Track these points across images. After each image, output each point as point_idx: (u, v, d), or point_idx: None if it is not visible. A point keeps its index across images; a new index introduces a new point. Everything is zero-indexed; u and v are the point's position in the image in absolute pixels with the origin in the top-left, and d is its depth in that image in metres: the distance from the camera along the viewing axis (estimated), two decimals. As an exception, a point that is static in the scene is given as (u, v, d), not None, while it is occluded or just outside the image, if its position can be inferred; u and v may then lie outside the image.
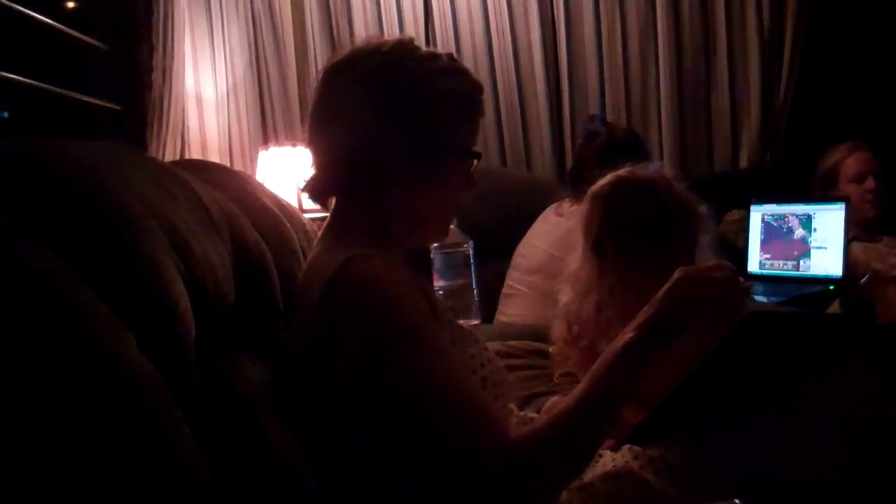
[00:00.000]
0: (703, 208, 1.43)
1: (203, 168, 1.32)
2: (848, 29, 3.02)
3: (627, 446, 1.13)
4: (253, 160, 2.85)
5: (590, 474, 1.10)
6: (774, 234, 2.45)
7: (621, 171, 1.45)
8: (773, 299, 2.21)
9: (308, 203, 2.37)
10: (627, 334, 0.97)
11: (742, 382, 1.17)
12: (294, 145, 2.68)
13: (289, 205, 1.48)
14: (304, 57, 2.96)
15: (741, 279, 1.01)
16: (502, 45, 2.91)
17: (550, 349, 1.53)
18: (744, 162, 2.92)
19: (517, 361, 1.84)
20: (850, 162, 2.54)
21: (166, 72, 2.57)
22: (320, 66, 2.88)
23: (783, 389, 1.14)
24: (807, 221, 2.38)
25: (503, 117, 2.92)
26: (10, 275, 0.61)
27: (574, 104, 2.92)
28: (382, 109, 1.04)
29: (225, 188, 1.17)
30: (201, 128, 2.96)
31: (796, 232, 2.40)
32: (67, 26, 2.30)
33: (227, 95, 2.98)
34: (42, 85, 2.10)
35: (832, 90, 3.02)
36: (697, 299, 0.97)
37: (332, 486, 0.95)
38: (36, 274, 0.63)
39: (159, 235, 0.81)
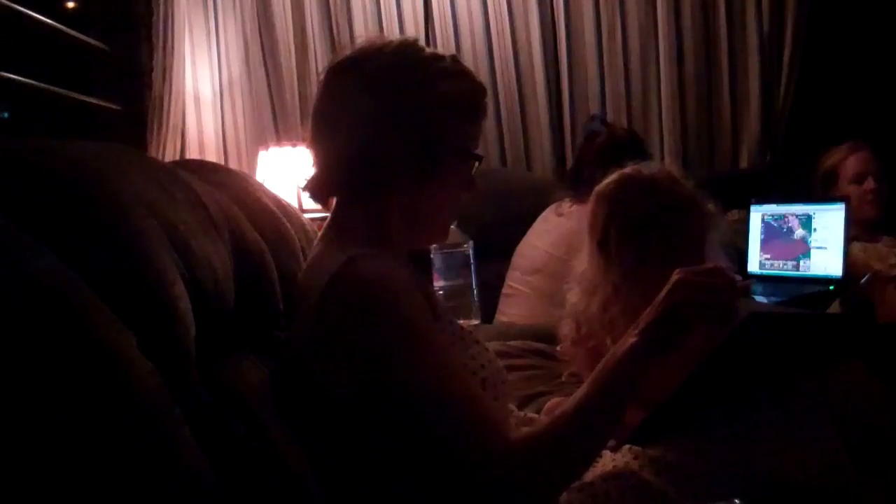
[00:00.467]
0: (710, 206, 1.42)
1: (203, 168, 1.32)
2: (848, 29, 3.01)
3: (627, 446, 1.13)
4: (252, 160, 2.84)
5: (590, 474, 1.10)
6: (774, 234, 2.45)
7: (626, 170, 1.44)
8: (773, 299, 2.21)
9: (308, 203, 2.38)
10: (630, 339, 0.97)
11: (742, 382, 1.17)
12: (294, 145, 2.68)
13: (289, 205, 1.48)
14: (304, 57, 2.96)
15: (740, 278, 1.01)
16: (502, 45, 2.90)
17: (558, 347, 1.52)
18: (744, 162, 2.92)
19: (517, 361, 1.84)
20: (849, 162, 2.54)
21: (166, 72, 2.56)
22: (320, 66, 2.90)
23: (783, 389, 1.14)
24: (807, 221, 2.38)
25: (503, 117, 2.92)
26: (10, 275, 0.61)
27: (574, 104, 2.92)
28: (384, 110, 1.04)
29: (225, 188, 1.17)
30: (201, 128, 2.96)
31: (796, 232, 2.40)
32: (67, 26, 2.30)
33: (227, 95, 2.97)
34: (42, 85, 2.10)
35: (832, 90, 3.02)
36: (695, 302, 0.97)
37: (332, 486, 0.95)
38: (36, 274, 0.63)
39: (159, 235, 0.81)
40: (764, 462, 1.08)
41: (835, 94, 3.01)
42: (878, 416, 1.17)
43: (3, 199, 0.69)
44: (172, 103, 2.61)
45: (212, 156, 2.94)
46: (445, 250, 1.66)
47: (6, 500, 0.55)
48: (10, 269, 0.61)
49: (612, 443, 1.15)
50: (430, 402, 0.93)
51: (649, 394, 1.11)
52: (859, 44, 3.01)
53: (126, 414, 0.64)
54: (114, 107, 2.49)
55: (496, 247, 2.30)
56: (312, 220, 1.64)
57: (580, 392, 0.96)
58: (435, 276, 1.69)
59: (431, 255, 1.69)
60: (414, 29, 2.89)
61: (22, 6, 1.99)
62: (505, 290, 2.28)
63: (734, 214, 2.65)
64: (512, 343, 1.94)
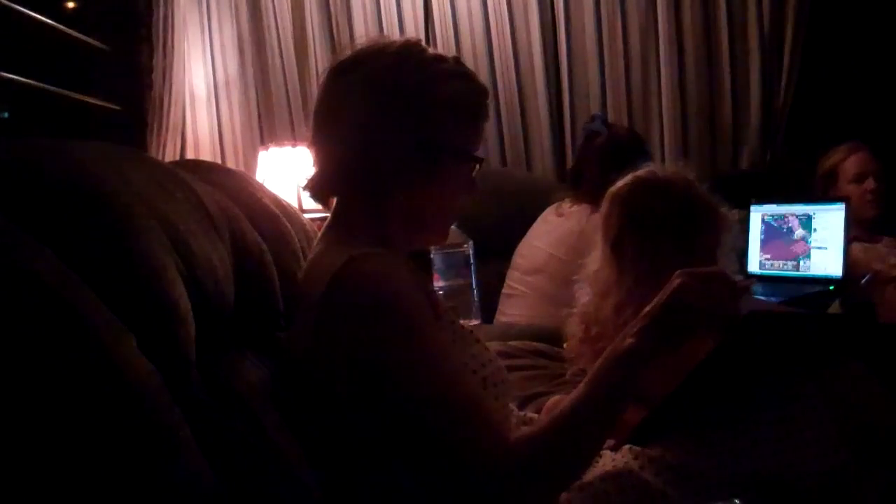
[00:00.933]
0: (725, 209, 1.42)
1: (203, 168, 1.32)
2: (848, 29, 3.02)
3: (627, 446, 1.13)
4: (252, 160, 2.84)
5: (590, 474, 1.10)
6: (774, 234, 2.46)
7: (641, 172, 1.44)
8: (773, 299, 2.21)
9: (308, 203, 2.38)
10: (628, 339, 0.97)
11: (742, 382, 1.17)
12: (294, 145, 2.68)
13: (289, 205, 1.48)
14: (304, 57, 2.96)
15: (742, 278, 1.01)
16: (502, 46, 2.91)
17: (565, 345, 1.52)
18: (744, 162, 2.92)
19: (517, 361, 1.84)
20: (849, 162, 2.54)
21: (166, 72, 2.57)
22: (320, 66, 2.90)
23: (783, 389, 1.13)
24: (807, 222, 2.38)
25: (503, 117, 2.92)
26: (9, 275, 0.61)
27: (574, 104, 2.92)
28: (385, 111, 1.04)
29: (225, 188, 1.17)
30: (195, 126, 2.95)
31: (796, 232, 2.40)
32: (67, 26, 2.30)
33: (226, 95, 2.97)
34: (42, 85, 2.10)
35: (832, 90, 3.02)
36: (696, 305, 0.97)
37: (332, 485, 0.95)
38: (36, 274, 0.63)
39: (159, 235, 0.81)
40: (764, 462, 1.08)
41: (835, 94, 3.01)
42: (878, 416, 1.17)
43: (3, 199, 0.69)
44: (172, 103, 2.61)
45: (206, 154, 2.94)
46: (445, 250, 1.67)
47: (6, 500, 0.55)
48: (10, 269, 0.61)
49: (611, 443, 1.15)
50: (431, 402, 0.93)
51: (650, 393, 1.11)
52: (859, 44, 3.01)
53: (126, 414, 0.64)
54: (114, 107, 2.49)
55: (496, 247, 2.30)
56: (312, 220, 1.64)
57: (578, 392, 0.96)
58: (435, 276, 1.69)
59: (431, 255, 1.69)
60: (414, 29, 2.89)
61: (22, 6, 1.99)
62: (505, 290, 2.28)
63: (734, 214, 2.65)
64: (512, 343, 1.94)
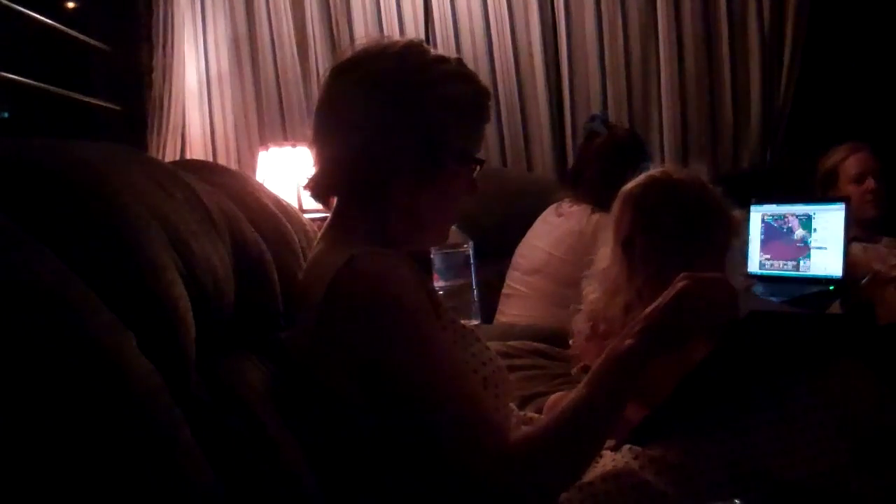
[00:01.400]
0: (736, 212, 1.43)
1: (203, 168, 1.32)
2: (848, 30, 3.01)
3: (627, 446, 1.13)
4: (250, 160, 2.84)
5: (590, 474, 1.10)
6: (774, 234, 2.45)
7: (654, 172, 1.44)
8: (773, 299, 2.21)
9: (308, 203, 2.38)
10: (627, 340, 0.97)
11: (742, 383, 1.17)
12: (294, 145, 2.68)
13: (289, 205, 1.48)
14: (304, 57, 2.96)
15: (743, 278, 1.01)
16: (502, 45, 2.91)
17: (571, 341, 1.52)
18: (744, 162, 2.92)
19: (517, 361, 1.84)
20: (850, 162, 2.54)
21: (166, 72, 2.57)
22: (320, 66, 2.90)
23: (783, 390, 1.13)
24: (807, 222, 2.38)
25: (503, 117, 2.92)
26: (9, 274, 0.61)
27: (575, 104, 2.91)
28: (386, 112, 1.04)
29: (225, 188, 1.17)
30: (193, 126, 2.94)
31: (796, 232, 2.40)
32: (67, 26, 2.30)
33: (219, 94, 2.97)
34: (42, 85, 2.10)
35: (832, 90, 3.02)
36: (697, 310, 0.97)
37: (332, 485, 0.95)
38: (35, 274, 0.63)
39: (159, 235, 0.81)
40: (764, 462, 1.08)
41: (835, 94, 3.01)
42: (878, 417, 1.17)
43: (3, 199, 0.69)
44: (172, 103, 2.61)
45: (199, 153, 2.93)
46: (445, 250, 1.67)
47: (5, 500, 0.55)
48: (10, 269, 0.61)
49: (611, 443, 1.15)
50: (431, 401, 0.93)
51: (652, 392, 1.11)
52: (859, 44, 3.01)
53: (126, 414, 0.64)
54: (114, 107, 2.49)
55: (496, 247, 2.30)
56: (312, 220, 1.64)
57: (577, 392, 0.96)
58: (435, 276, 1.69)
59: (431, 256, 1.69)
60: (414, 29, 2.89)
61: (22, 6, 1.99)
62: (505, 291, 2.28)
63: (742, 214, 2.65)
64: (512, 343, 1.94)
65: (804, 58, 2.86)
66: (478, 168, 1.13)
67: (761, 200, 2.49)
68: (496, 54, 2.91)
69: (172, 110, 2.61)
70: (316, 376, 0.99)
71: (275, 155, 2.69)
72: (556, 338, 1.90)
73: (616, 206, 1.43)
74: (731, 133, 2.91)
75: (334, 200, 1.13)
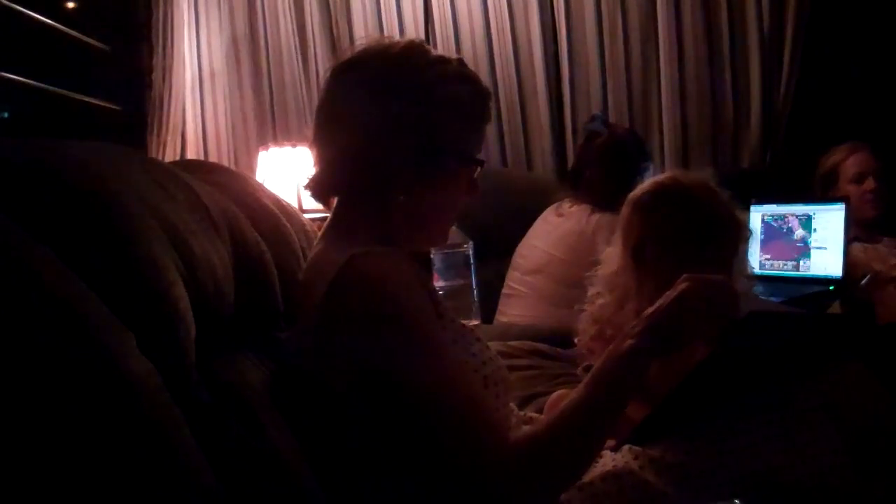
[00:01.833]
0: (743, 217, 1.43)
1: (203, 168, 1.33)
2: (848, 29, 3.01)
3: (627, 446, 1.13)
4: (252, 160, 2.84)
5: (590, 474, 1.10)
6: (774, 234, 2.45)
7: (662, 178, 1.43)
8: (773, 299, 2.21)
9: (308, 203, 2.39)
10: (628, 340, 0.97)
11: (742, 383, 1.17)
12: (294, 145, 2.68)
13: (289, 205, 1.47)
14: (304, 57, 2.96)
15: (745, 279, 1.02)
16: (502, 45, 2.91)
17: (576, 340, 1.52)
18: (744, 162, 2.92)
19: (517, 361, 1.84)
20: (850, 162, 2.54)
21: (166, 72, 2.57)
22: (320, 66, 2.90)
23: (783, 390, 1.14)
24: (807, 222, 2.38)
25: (504, 117, 2.92)
26: (9, 275, 0.61)
27: (575, 104, 2.91)
28: (387, 112, 1.04)
29: (225, 188, 1.17)
30: (188, 125, 2.94)
31: (796, 232, 2.40)
32: (67, 26, 2.30)
33: (226, 95, 2.97)
34: (42, 85, 2.10)
35: (832, 90, 3.01)
36: (698, 311, 0.97)
37: (332, 486, 0.95)
38: (36, 274, 0.63)
39: (159, 235, 0.81)
40: (764, 462, 1.08)
41: (835, 94, 3.01)
42: (877, 417, 1.17)
43: (3, 198, 0.69)
44: (172, 103, 2.61)
45: (198, 153, 2.92)
46: (445, 250, 1.66)
47: (5, 501, 0.55)
48: (10, 269, 0.61)
49: (612, 443, 1.15)
50: (431, 401, 0.93)
51: (655, 392, 1.11)
52: (859, 44, 3.01)
53: (126, 414, 0.64)
54: (114, 107, 2.49)
55: (496, 247, 2.30)
56: (312, 220, 1.64)
57: (578, 392, 0.96)
58: (435, 276, 1.69)
59: (431, 256, 1.69)
60: (414, 29, 2.89)
61: (22, 6, 1.99)
62: (505, 290, 2.28)
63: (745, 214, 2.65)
64: (512, 343, 1.94)
65: (804, 58, 2.86)
66: (478, 168, 1.13)
67: (761, 200, 2.49)
68: (496, 54, 2.91)
69: (172, 110, 2.61)
70: (316, 376, 0.99)
71: (275, 155, 2.69)
72: (556, 338, 1.90)
73: (624, 212, 1.42)
74: (731, 133, 2.91)
75: (335, 200, 1.13)
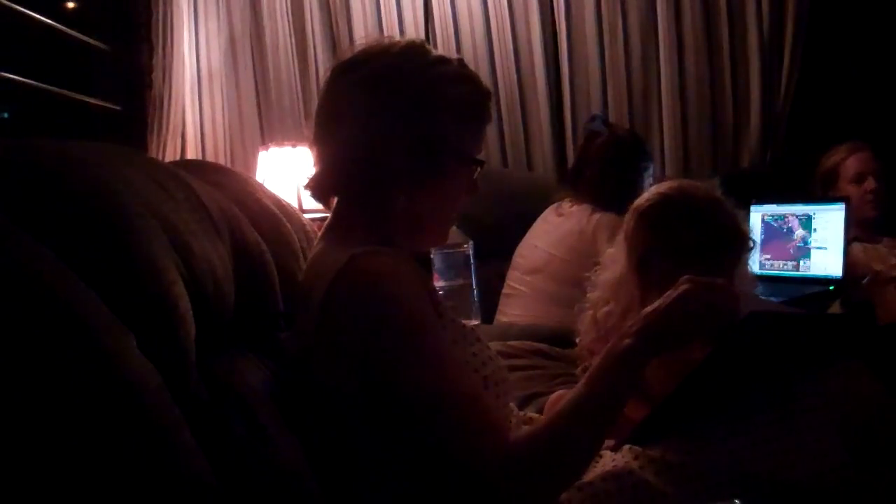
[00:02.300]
0: (747, 226, 1.43)
1: (203, 168, 1.33)
2: (848, 30, 3.01)
3: (627, 446, 1.13)
4: (252, 160, 2.84)
5: (590, 474, 1.10)
6: (774, 234, 2.45)
7: (667, 188, 1.43)
8: (773, 299, 2.21)
9: (308, 203, 2.38)
10: (626, 339, 0.97)
11: (742, 383, 1.17)
12: (294, 145, 2.68)
13: (289, 205, 1.48)
14: (304, 57, 2.96)
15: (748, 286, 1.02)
16: (502, 45, 2.91)
17: (577, 339, 1.52)
18: (744, 162, 2.92)
19: (517, 361, 1.84)
20: (850, 162, 2.54)
21: (166, 72, 2.57)
22: (320, 66, 2.90)
23: (783, 390, 1.13)
24: (807, 222, 2.38)
25: (504, 117, 2.92)
26: (9, 275, 0.61)
27: (575, 104, 2.91)
28: (386, 112, 1.04)
29: (225, 188, 1.17)
30: (200, 128, 2.94)
31: (796, 232, 2.40)
32: (67, 26, 2.30)
33: (225, 95, 2.96)
34: (42, 85, 2.10)
35: (832, 90, 3.01)
36: (697, 313, 0.97)
37: (333, 486, 0.95)
38: (35, 274, 0.63)
39: (159, 235, 0.81)
40: (764, 462, 1.08)
41: (835, 94, 3.01)
42: (877, 417, 1.17)
43: (3, 199, 0.69)
44: (172, 103, 2.61)
45: (197, 153, 2.92)
46: (445, 250, 1.66)
47: (5, 501, 0.55)
48: (10, 269, 0.61)
49: (611, 443, 1.15)
50: (432, 400, 0.93)
51: (655, 391, 1.11)
52: (859, 44, 3.01)
53: (126, 414, 0.64)
54: (114, 107, 2.49)
55: (496, 247, 2.30)
56: (312, 220, 1.64)
57: (576, 392, 0.96)
58: (435, 276, 1.68)
59: (431, 256, 1.69)
60: (414, 29, 2.89)
61: (22, 6, 1.99)
62: (505, 290, 2.28)
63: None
64: (512, 343, 1.94)
65: (804, 58, 2.86)
66: (478, 169, 1.13)
67: (761, 200, 2.49)
68: (496, 54, 2.91)
69: (172, 110, 2.61)
70: (316, 376, 0.99)
71: (274, 155, 2.69)
72: (556, 338, 1.90)
73: (629, 222, 1.42)
74: (731, 133, 2.91)
75: (335, 200, 1.13)
